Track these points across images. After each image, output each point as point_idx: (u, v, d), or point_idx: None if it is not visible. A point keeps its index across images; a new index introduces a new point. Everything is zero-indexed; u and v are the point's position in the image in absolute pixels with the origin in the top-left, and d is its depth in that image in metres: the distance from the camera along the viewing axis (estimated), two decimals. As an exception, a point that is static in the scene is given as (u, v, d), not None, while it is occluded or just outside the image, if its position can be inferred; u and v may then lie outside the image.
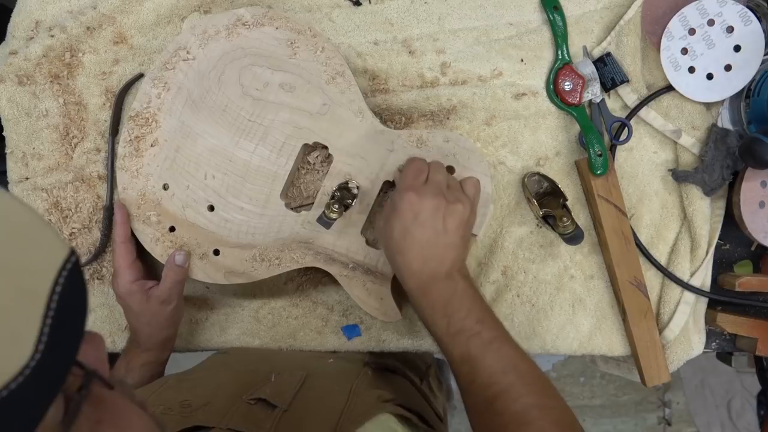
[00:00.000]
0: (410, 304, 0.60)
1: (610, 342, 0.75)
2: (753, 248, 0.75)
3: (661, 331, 0.72)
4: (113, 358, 0.74)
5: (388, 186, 0.70)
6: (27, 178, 0.76)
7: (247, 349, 0.77)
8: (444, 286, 0.58)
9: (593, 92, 0.71)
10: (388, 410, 0.61)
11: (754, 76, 0.68)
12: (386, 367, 0.76)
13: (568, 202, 0.69)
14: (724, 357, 0.81)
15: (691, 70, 0.69)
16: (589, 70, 0.71)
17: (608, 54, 0.71)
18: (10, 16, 0.76)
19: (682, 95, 0.70)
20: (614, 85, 0.71)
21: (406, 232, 0.58)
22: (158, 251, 0.70)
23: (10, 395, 0.25)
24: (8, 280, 0.27)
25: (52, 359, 0.27)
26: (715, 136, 0.69)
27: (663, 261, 0.73)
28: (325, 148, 0.68)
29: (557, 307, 0.75)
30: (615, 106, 0.73)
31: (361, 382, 0.66)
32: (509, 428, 0.52)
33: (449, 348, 0.57)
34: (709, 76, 0.69)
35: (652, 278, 0.73)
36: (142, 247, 0.70)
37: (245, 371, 0.67)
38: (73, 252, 0.30)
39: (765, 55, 0.67)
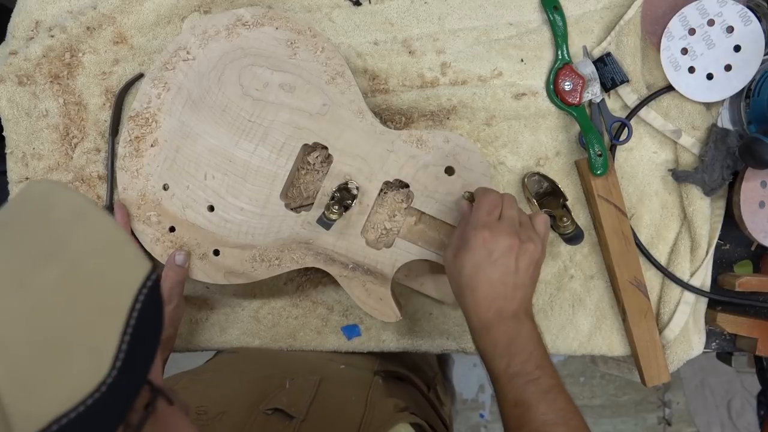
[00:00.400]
0: (472, 342, 0.60)
1: (610, 342, 0.75)
2: (753, 248, 0.75)
3: (661, 331, 0.72)
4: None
5: (388, 186, 0.70)
6: (27, 178, 0.76)
7: (255, 349, 0.77)
8: (509, 326, 0.57)
9: (593, 92, 0.71)
10: (405, 420, 0.61)
11: (754, 76, 0.68)
12: (395, 375, 0.76)
13: (568, 202, 0.70)
14: (724, 357, 0.81)
15: (691, 70, 0.69)
16: (589, 70, 0.71)
17: (608, 54, 0.71)
18: (10, 16, 0.76)
19: (682, 95, 0.70)
20: (614, 85, 0.71)
21: (478, 270, 0.57)
22: (158, 251, 0.70)
23: (87, 411, 0.25)
24: (93, 293, 0.27)
25: (127, 376, 0.27)
26: (715, 136, 0.69)
27: (663, 261, 0.73)
28: (325, 148, 0.68)
29: (557, 307, 0.75)
30: (615, 106, 0.73)
31: (375, 391, 0.66)
32: None
33: (504, 389, 0.56)
34: (709, 76, 0.69)
35: (652, 278, 0.73)
36: (142, 247, 0.70)
37: (258, 377, 0.67)
38: (153, 270, 0.30)
39: (765, 55, 0.67)
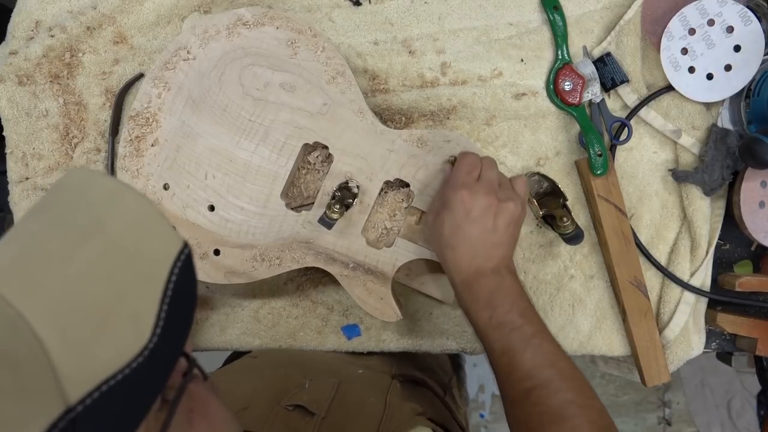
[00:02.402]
0: (456, 298, 0.61)
1: (610, 342, 0.75)
2: (753, 248, 0.75)
3: (661, 331, 0.72)
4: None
5: (388, 186, 0.70)
6: (27, 178, 0.76)
7: (275, 351, 0.78)
8: (490, 280, 0.58)
9: (593, 92, 0.71)
10: (422, 423, 0.61)
11: (754, 76, 0.68)
12: (412, 379, 0.76)
13: (568, 202, 0.70)
14: (724, 357, 0.81)
15: (691, 70, 0.69)
16: (589, 70, 0.71)
17: (608, 54, 0.71)
18: (10, 16, 0.76)
19: (682, 95, 0.70)
20: (614, 85, 0.71)
21: (457, 229, 0.59)
22: (158, 251, 0.70)
23: (132, 373, 0.26)
24: (132, 265, 0.29)
25: (166, 342, 0.28)
26: (715, 136, 0.69)
27: (663, 261, 0.73)
28: (326, 148, 0.68)
29: (557, 307, 0.75)
30: (615, 106, 0.73)
31: (393, 395, 0.67)
32: (544, 421, 0.52)
33: (490, 339, 0.57)
34: (709, 76, 0.69)
35: (652, 278, 0.73)
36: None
37: (278, 375, 0.68)
38: (186, 245, 0.31)
39: (765, 55, 0.67)
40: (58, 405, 0.24)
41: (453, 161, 0.66)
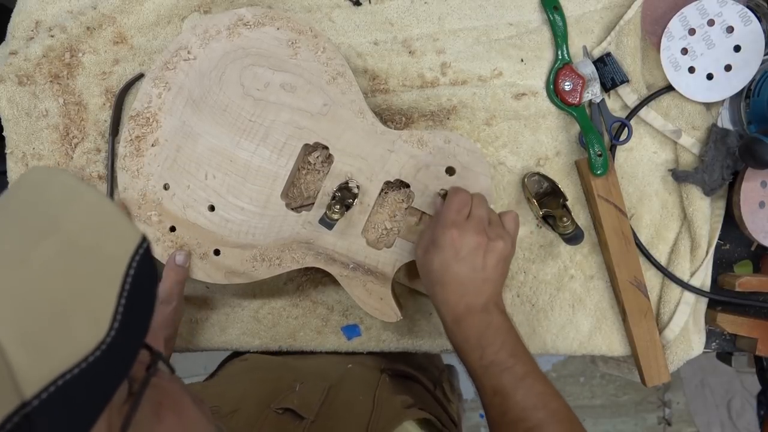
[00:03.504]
0: (446, 337, 0.61)
1: (610, 342, 0.75)
2: (753, 248, 0.75)
3: (661, 331, 0.72)
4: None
5: (388, 186, 0.70)
6: (27, 178, 0.76)
7: (264, 355, 0.78)
8: (479, 319, 0.58)
9: (593, 92, 0.71)
10: (411, 416, 0.61)
11: (754, 76, 0.68)
12: (402, 373, 0.76)
13: (568, 202, 0.70)
14: (724, 357, 0.81)
15: (691, 70, 0.69)
16: (589, 70, 0.71)
17: (608, 54, 0.71)
18: (10, 16, 0.76)
19: (682, 95, 0.70)
20: (614, 85, 0.71)
21: (447, 267, 0.59)
22: (159, 251, 0.70)
23: (89, 367, 0.27)
24: (89, 262, 0.29)
25: (124, 336, 0.29)
26: (715, 136, 0.69)
27: (663, 261, 0.73)
28: (326, 148, 0.68)
29: (557, 307, 0.75)
30: (615, 106, 0.73)
31: (382, 390, 0.67)
32: None
33: (482, 380, 0.57)
34: (709, 76, 0.69)
35: (652, 278, 0.73)
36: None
37: (269, 378, 0.68)
38: (144, 239, 0.32)
39: (765, 55, 0.67)
40: (13, 400, 0.25)
41: (444, 194, 0.66)
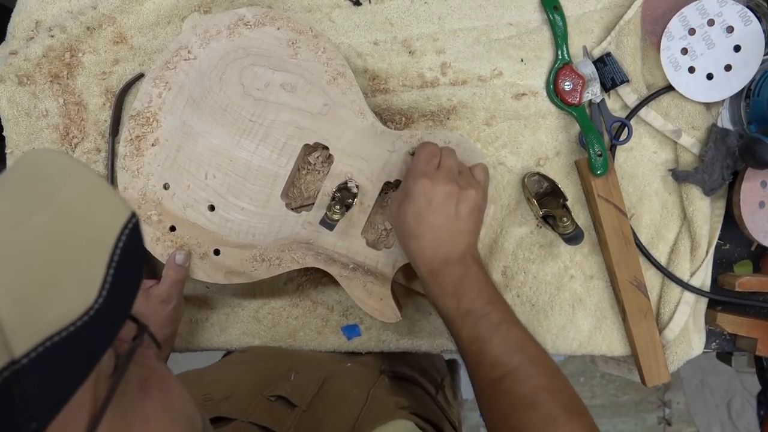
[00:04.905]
0: (422, 288, 0.61)
1: (610, 342, 0.75)
2: (753, 248, 0.75)
3: (661, 331, 0.72)
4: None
5: (389, 186, 0.70)
6: (27, 178, 0.76)
7: (264, 347, 0.78)
8: (455, 269, 0.58)
9: (593, 92, 0.71)
10: (404, 417, 0.61)
11: (754, 76, 0.68)
12: (402, 376, 0.76)
13: (568, 202, 0.69)
14: (724, 357, 0.81)
15: (691, 70, 0.69)
16: (589, 70, 0.71)
17: (608, 54, 0.71)
18: (10, 16, 0.76)
19: (682, 95, 0.70)
20: (614, 85, 0.71)
21: (420, 218, 0.59)
22: (159, 251, 0.70)
23: (77, 331, 0.28)
24: (81, 231, 0.30)
25: (112, 304, 0.30)
26: (715, 136, 0.69)
27: (663, 261, 0.73)
28: (326, 148, 0.68)
29: (557, 307, 0.75)
30: (615, 106, 0.73)
31: (378, 388, 0.67)
32: (516, 409, 0.52)
33: (458, 329, 0.57)
34: (709, 76, 0.69)
35: (652, 278, 0.73)
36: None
37: (264, 367, 0.68)
38: (134, 214, 0.33)
39: (765, 55, 0.67)
40: (2, 356, 0.26)
41: (413, 153, 0.66)
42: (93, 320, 0.29)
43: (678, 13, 0.68)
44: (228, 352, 0.84)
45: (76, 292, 0.29)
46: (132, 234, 0.32)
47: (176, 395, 0.39)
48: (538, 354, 0.55)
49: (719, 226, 0.72)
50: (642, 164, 0.73)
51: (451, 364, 1.03)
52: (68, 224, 0.30)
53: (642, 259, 0.72)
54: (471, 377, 0.57)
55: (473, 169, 0.64)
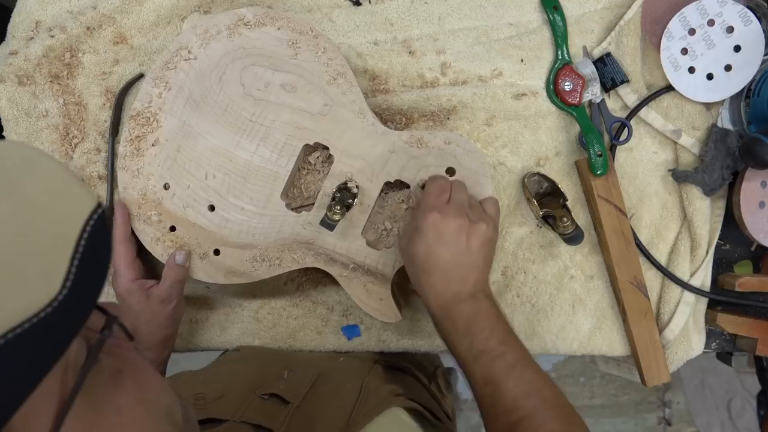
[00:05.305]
0: (434, 326, 0.61)
1: (610, 342, 0.75)
2: (753, 248, 0.75)
3: (661, 331, 0.72)
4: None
5: (388, 187, 0.70)
6: (27, 178, 0.76)
7: (257, 347, 0.78)
8: (467, 307, 0.57)
9: (593, 92, 0.71)
10: (400, 404, 0.61)
11: (754, 76, 0.68)
12: (396, 366, 0.76)
13: (568, 202, 0.70)
14: (724, 357, 0.81)
15: (691, 70, 0.69)
16: (589, 70, 0.71)
17: (608, 54, 0.71)
18: (10, 16, 0.76)
19: (682, 95, 0.70)
20: (614, 85, 0.71)
21: (431, 253, 0.58)
22: (159, 251, 0.70)
23: (39, 322, 0.28)
24: (43, 223, 0.30)
25: (77, 296, 0.30)
26: (715, 136, 0.69)
27: (663, 261, 0.73)
28: (326, 148, 0.68)
29: (557, 307, 0.75)
30: (615, 106, 0.73)
31: (372, 378, 0.67)
32: None
33: (472, 369, 0.56)
34: (709, 76, 0.69)
35: (652, 278, 0.73)
36: (142, 246, 0.70)
37: (258, 366, 0.68)
38: (99, 205, 0.33)
39: (765, 55, 0.67)
40: None
41: (423, 186, 0.66)
42: (56, 311, 0.29)
43: (678, 13, 0.68)
44: (224, 351, 0.84)
45: (40, 284, 0.29)
46: (97, 225, 0.32)
47: (152, 386, 0.39)
48: (552, 395, 0.54)
49: (719, 226, 0.72)
50: (642, 164, 0.73)
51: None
52: (31, 216, 0.30)
53: (642, 259, 0.72)
54: (485, 420, 0.56)
55: (484, 203, 0.63)
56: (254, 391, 0.61)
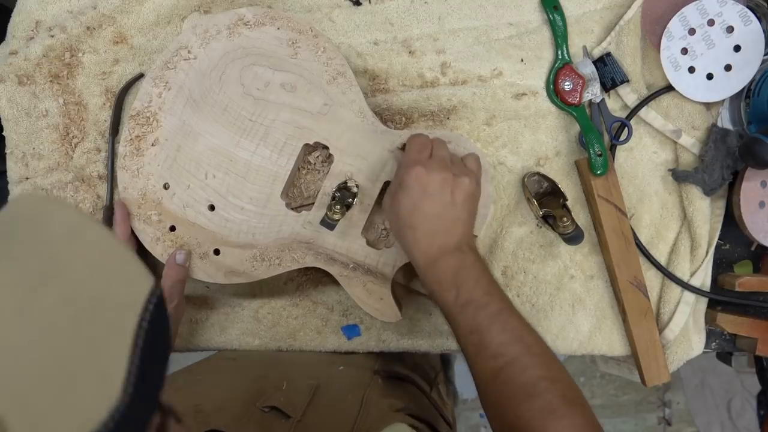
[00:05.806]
0: (419, 279, 0.61)
1: (610, 342, 0.75)
2: (753, 248, 0.75)
3: (661, 331, 0.72)
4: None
5: (389, 186, 0.70)
6: (27, 178, 0.76)
7: (253, 351, 0.78)
8: (453, 259, 0.57)
9: (593, 92, 0.71)
10: (399, 420, 0.61)
11: (754, 76, 0.68)
12: (396, 375, 0.76)
13: (568, 202, 0.70)
14: (724, 357, 0.81)
15: (691, 70, 0.69)
16: (589, 70, 0.71)
17: (608, 54, 0.71)
18: (10, 16, 0.76)
19: (682, 95, 0.70)
20: (614, 85, 0.71)
21: (415, 207, 0.58)
22: (159, 250, 0.70)
23: None
24: (96, 316, 0.25)
25: (139, 400, 0.25)
26: (715, 136, 0.69)
27: (663, 261, 0.73)
28: (326, 148, 0.68)
29: (557, 307, 0.75)
30: (615, 106, 0.73)
31: (372, 391, 0.66)
32: (516, 399, 0.52)
33: (457, 319, 0.57)
34: (709, 76, 0.69)
35: (652, 278, 0.73)
36: (142, 246, 0.70)
37: (256, 376, 0.67)
38: (157, 284, 0.28)
39: (765, 55, 0.67)
40: None
41: (402, 147, 0.66)
42: (119, 424, 0.24)
43: (678, 13, 0.68)
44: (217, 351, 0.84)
45: (96, 392, 0.24)
46: (156, 310, 0.27)
47: None
48: (535, 343, 0.55)
49: (719, 226, 0.72)
50: (642, 164, 0.73)
51: (445, 358, 1.03)
52: (81, 304, 0.25)
53: (642, 259, 0.72)
54: (471, 368, 0.57)
55: (465, 159, 0.64)
56: (254, 403, 0.60)
